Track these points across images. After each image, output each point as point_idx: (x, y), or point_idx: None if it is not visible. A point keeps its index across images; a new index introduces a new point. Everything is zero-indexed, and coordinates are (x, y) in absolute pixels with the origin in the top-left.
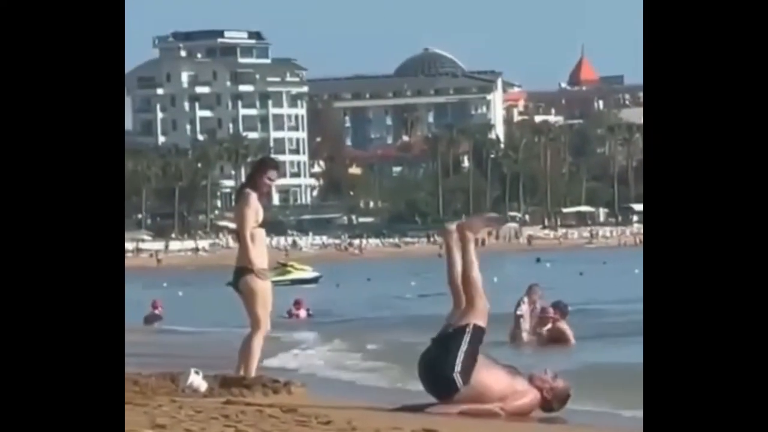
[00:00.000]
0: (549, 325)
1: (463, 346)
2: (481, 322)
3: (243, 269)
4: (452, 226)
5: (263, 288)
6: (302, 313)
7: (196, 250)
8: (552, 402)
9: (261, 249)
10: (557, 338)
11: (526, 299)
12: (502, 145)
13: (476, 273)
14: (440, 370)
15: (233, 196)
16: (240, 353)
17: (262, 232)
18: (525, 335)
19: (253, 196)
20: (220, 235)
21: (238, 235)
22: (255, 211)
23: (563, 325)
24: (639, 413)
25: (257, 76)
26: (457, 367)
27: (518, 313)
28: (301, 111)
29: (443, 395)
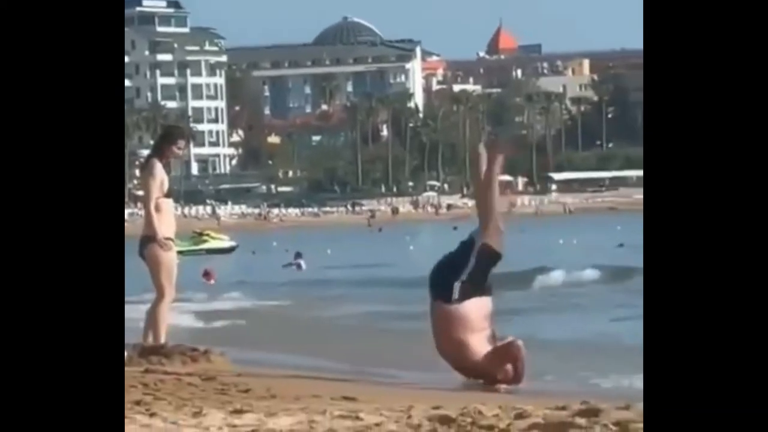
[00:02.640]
0: None
1: (471, 261)
2: (492, 243)
3: (148, 238)
4: (482, 147)
5: (167, 258)
6: (212, 282)
7: None
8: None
9: (168, 219)
10: None
11: None
12: (420, 114)
13: (493, 194)
14: (446, 274)
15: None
16: (146, 322)
17: (169, 202)
18: None
19: (158, 166)
20: (139, 205)
21: (144, 204)
22: (160, 180)
23: None
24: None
25: (175, 45)
26: (463, 277)
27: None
28: (220, 80)
29: (439, 298)
